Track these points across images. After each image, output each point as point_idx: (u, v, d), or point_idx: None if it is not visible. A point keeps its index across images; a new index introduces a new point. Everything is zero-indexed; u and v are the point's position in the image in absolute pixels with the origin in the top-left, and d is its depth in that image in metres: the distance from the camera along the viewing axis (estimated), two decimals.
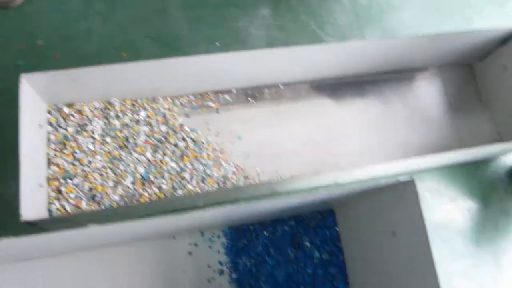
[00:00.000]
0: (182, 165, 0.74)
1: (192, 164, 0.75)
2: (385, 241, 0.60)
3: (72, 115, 0.72)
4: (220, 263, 0.72)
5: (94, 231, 0.51)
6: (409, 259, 0.55)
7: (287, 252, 0.72)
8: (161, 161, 0.74)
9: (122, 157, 0.72)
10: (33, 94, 0.66)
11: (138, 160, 0.73)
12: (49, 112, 0.71)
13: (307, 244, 0.73)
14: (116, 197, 0.70)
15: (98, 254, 0.69)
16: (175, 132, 0.76)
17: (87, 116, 0.73)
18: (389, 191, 0.57)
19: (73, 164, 0.69)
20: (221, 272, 0.71)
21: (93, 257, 0.68)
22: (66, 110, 0.72)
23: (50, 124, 0.71)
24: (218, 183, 0.75)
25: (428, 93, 0.89)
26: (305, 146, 0.80)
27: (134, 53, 0.80)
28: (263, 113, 0.81)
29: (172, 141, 0.75)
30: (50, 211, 0.66)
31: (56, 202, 0.67)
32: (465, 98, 0.90)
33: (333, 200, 0.68)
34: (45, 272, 0.66)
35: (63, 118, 0.71)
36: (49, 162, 0.69)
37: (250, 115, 0.81)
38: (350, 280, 0.72)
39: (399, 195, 0.55)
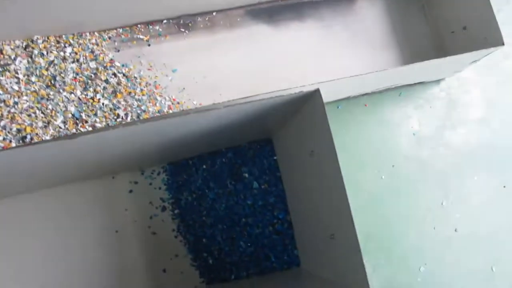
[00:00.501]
0: (115, 102, 0.73)
1: (126, 100, 0.73)
2: (306, 162, 0.60)
3: None
4: (162, 199, 0.72)
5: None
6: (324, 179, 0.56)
7: (227, 184, 0.72)
8: (92, 99, 0.72)
9: (51, 96, 0.70)
10: None
11: (68, 98, 0.71)
12: None
13: (246, 175, 0.73)
14: (47, 138, 0.69)
15: (39, 196, 0.69)
16: (105, 68, 0.74)
17: (9, 56, 0.70)
18: (298, 103, 0.56)
19: None
20: (164, 209, 0.72)
21: (34, 200, 0.69)
22: None
23: None
24: None
25: (370, 13, 0.87)
26: (243, 75, 0.78)
27: None
28: (197, 43, 0.78)
29: (102, 77, 0.73)
30: None
31: None
32: (409, 17, 0.88)
33: (267, 124, 0.67)
34: None
35: None
36: None
37: (183, 46, 0.78)
38: (290, 209, 0.72)
39: (308, 110, 0.55)
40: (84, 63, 0.73)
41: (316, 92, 0.49)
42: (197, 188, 0.72)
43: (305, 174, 0.61)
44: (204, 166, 0.73)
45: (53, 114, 0.70)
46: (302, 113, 0.57)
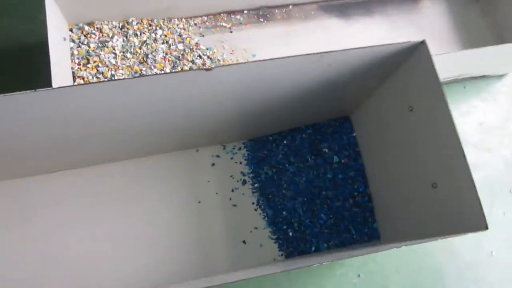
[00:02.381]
0: None
1: None
2: (403, 118, 0.61)
3: (93, 33, 0.75)
4: (243, 173, 0.74)
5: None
6: (430, 135, 0.56)
7: (307, 159, 0.74)
8: None
9: (143, 72, 0.75)
10: (57, 10, 0.69)
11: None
12: (71, 30, 0.74)
13: (326, 150, 0.75)
14: None
15: (123, 166, 0.72)
16: (191, 50, 0.79)
17: (107, 34, 0.75)
18: (398, 59, 0.57)
19: (97, 77, 0.72)
20: (244, 182, 0.74)
21: (118, 168, 0.72)
22: (86, 28, 0.75)
23: (73, 41, 0.74)
24: None
25: (432, 11, 0.92)
26: None
27: None
28: (274, 32, 0.84)
29: (189, 58, 0.78)
30: None
31: None
32: (469, 14, 0.93)
33: (350, 98, 0.70)
34: (73, 182, 0.70)
35: (85, 36, 0.74)
36: (74, 76, 0.72)
37: (262, 35, 0.83)
38: (369, 182, 0.74)
39: (411, 63, 0.56)
40: (172, 45, 0.78)
41: (423, 44, 0.53)
42: (277, 162, 0.74)
43: (402, 131, 0.63)
44: (285, 142, 0.75)
45: None
46: (405, 68, 0.59)
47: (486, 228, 0.47)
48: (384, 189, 0.70)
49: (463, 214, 0.51)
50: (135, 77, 0.51)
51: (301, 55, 0.52)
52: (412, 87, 0.58)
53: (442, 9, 0.92)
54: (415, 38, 0.51)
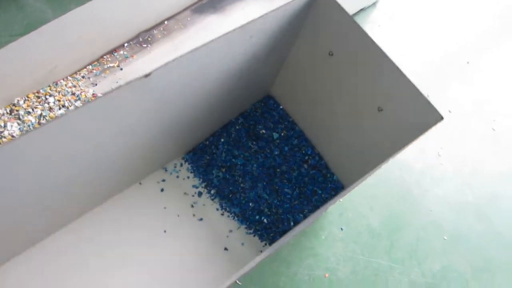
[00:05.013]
0: None
1: None
2: (327, 64, 0.63)
3: None
4: (195, 186, 0.73)
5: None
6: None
7: (250, 146, 0.75)
8: None
9: None
10: None
11: None
12: None
13: (263, 131, 0.76)
14: None
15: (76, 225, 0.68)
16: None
17: None
18: (305, 11, 0.59)
19: None
20: (200, 194, 0.72)
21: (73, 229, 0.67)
22: None
23: None
24: None
25: None
26: None
27: None
28: (162, 52, 0.84)
29: None
30: None
31: None
32: None
33: (267, 73, 0.72)
34: None
35: None
36: None
37: (151, 59, 0.83)
38: (313, 142, 0.76)
39: (316, 11, 0.59)
40: (70, 106, 0.75)
41: None
42: (223, 162, 0.74)
43: (328, 77, 0.65)
44: (222, 140, 0.75)
45: None
46: (313, 17, 0.62)
47: (441, 117, 0.52)
48: (328, 141, 0.73)
49: (417, 118, 0.54)
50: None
51: (228, 32, 0.52)
52: (326, 31, 0.61)
53: None
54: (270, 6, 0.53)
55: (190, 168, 0.74)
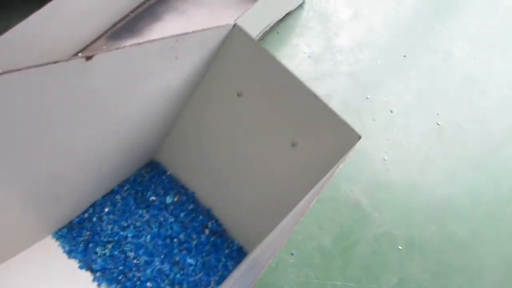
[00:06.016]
0: None
1: None
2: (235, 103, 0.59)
3: None
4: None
5: None
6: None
7: (141, 215, 0.65)
8: None
9: None
10: None
11: None
12: None
13: (153, 198, 0.67)
14: None
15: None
16: None
17: None
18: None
19: None
20: None
21: None
22: None
23: None
24: None
25: None
26: None
27: None
28: None
29: None
30: None
31: None
32: None
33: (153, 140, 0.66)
34: None
35: None
36: None
37: None
38: (208, 204, 0.69)
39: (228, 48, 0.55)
40: None
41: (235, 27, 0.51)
42: (109, 235, 0.62)
43: (229, 121, 0.60)
44: (107, 209, 0.64)
45: None
46: (221, 56, 0.57)
47: (359, 137, 0.50)
48: (227, 201, 0.67)
49: (336, 141, 0.52)
50: None
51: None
52: (236, 68, 0.57)
53: None
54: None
55: (62, 248, 0.61)
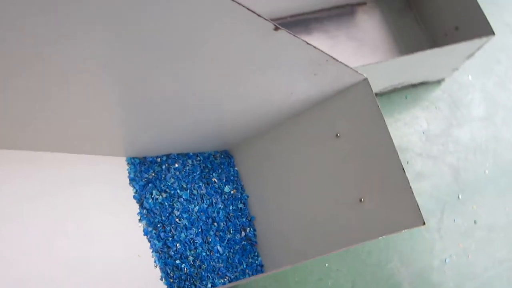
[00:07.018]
0: None
1: None
2: (328, 144, 0.62)
3: None
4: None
5: None
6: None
7: (200, 186, 0.68)
8: None
9: None
10: None
11: None
12: None
13: (215, 180, 0.70)
14: None
15: None
16: None
17: None
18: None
19: None
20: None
21: None
22: None
23: None
24: None
25: (369, 25, 0.94)
26: None
27: None
28: None
29: None
30: None
31: None
32: (404, 25, 0.96)
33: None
34: None
35: None
36: None
37: None
38: (254, 213, 0.72)
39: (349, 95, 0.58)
40: None
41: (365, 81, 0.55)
42: (168, 187, 0.65)
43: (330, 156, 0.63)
44: (176, 165, 0.68)
45: None
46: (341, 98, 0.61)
47: (423, 223, 0.51)
48: (268, 222, 0.69)
49: (398, 215, 0.54)
50: None
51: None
52: (343, 115, 0.61)
53: (377, 20, 0.95)
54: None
55: (129, 169, 0.65)
